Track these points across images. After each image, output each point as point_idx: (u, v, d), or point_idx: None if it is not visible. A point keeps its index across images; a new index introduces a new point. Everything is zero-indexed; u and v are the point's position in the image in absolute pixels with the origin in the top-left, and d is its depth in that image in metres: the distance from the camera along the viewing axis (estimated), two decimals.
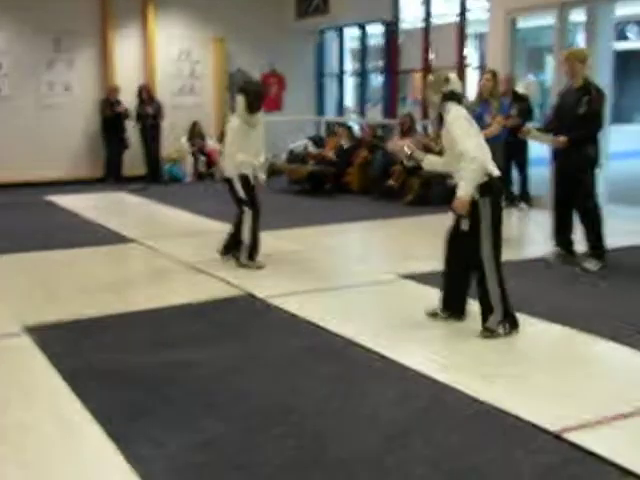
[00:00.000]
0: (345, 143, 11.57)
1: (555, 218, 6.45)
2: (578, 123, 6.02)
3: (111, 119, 12.27)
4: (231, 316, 5.05)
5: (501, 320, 4.36)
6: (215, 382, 3.86)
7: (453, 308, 4.70)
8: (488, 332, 4.37)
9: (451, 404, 3.52)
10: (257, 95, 6.21)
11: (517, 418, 3.33)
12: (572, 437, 3.12)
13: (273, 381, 3.86)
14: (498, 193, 4.41)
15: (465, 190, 4.25)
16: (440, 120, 4.44)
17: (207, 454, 3.10)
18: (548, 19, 9.53)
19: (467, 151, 4.21)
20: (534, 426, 3.25)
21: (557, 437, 3.14)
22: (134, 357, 4.22)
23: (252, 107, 6.14)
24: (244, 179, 6.20)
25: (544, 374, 3.88)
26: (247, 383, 3.84)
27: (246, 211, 6.21)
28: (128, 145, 12.51)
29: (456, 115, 4.34)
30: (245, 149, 6.14)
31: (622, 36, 17.79)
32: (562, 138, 6.09)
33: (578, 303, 5.21)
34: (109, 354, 4.29)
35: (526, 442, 3.13)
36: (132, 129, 12.46)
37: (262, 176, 6.33)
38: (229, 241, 6.46)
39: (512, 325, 4.41)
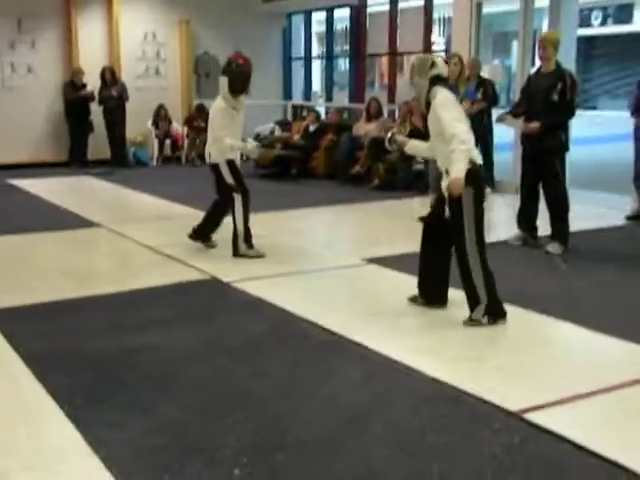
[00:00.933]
0: (312, 126, 11.54)
1: (521, 202, 6.49)
2: (551, 109, 6.05)
3: (75, 102, 12.06)
4: (194, 300, 5.02)
5: (487, 310, 4.31)
6: (175, 366, 3.84)
7: (430, 296, 4.66)
8: (472, 322, 4.34)
9: (413, 386, 3.55)
10: (242, 76, 5.85)
11: (479, 399, 3.36)
12: (532, 417, 3.17)
13: (234, 365, 3.85)
14: (481, 183, 4.38)
15: (459, 170, 4.16)
16: (427, 105, 4.40)
17: (166, 437, 3.08)
18: (514, 4, 9.55)
19: (457, 134, 4.18)
20: (495, 407, 3.28)
21: (518, 417, 3.19)
22: (94, 341, 4.18)
23: (237, 89, 5.83)
24: (231, 164, 5.96)
25: (506, 356, 3.93)
26: (208, 367, 3.82)
27: (236, 197, 5.96)
28: (93, 128, 12.33)
29: (444, 99, 4.31)
30: (232, 133, 5.88)
31: (587, 23, 17.99)
32: (534, 124, 6.12)
33: (538, 286, 5.28)
34: (69, 338, 4.25)
35: (488, 423, 3.16)
36: (95, 113, 12.26)
37: (237, 161, 6.09)
38: (201, 226, 6.28)
39: (498, 315, 4.36)
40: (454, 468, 2.83)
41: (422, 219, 7.41)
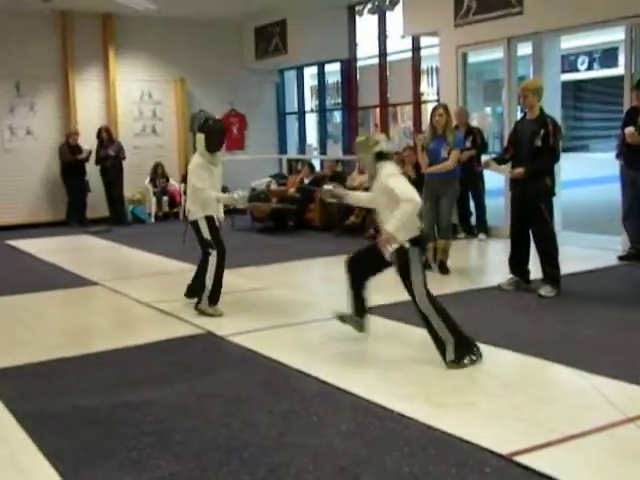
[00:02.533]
0: (307, 179, 11.69)
1: (511, 246, 6.57)
2: (535, 155, 6.17)
3: (71, 163, 12.27)
4: (189, 355, 5.05)
5: (456, 348, 4.43)
6: (170, 421, 3.85)
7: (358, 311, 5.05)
8: (454, 364, 4.43)
9: (404, 433, 3.56)
10: (217, 133, 6.04)
11: (469, 443, 3.38)
12: (522, 459, 3.18)
13: (228, 418, 3.86)
14: (425, 245, 4.81)
15: (394, 226, 4.45)
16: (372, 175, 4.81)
17: None
18: (499, 53, 9.79)
19: (406, 192, 4.48)
20: (486, 451, 3.30)
21: (508, 460, 3.20)
22: (90, 399, 4.20)
23: (212, 146, 5.97)
24: (210, 220, 6.03)
25: (495, 400, 3.94)
26: (202, 421, 3.84)
27: (212, 253, 5.98)
28: (89, 188, 12.49)
29: (390, 171, 4.67)
30: (211, 187, 5.96)
31: (574, 68, 18.33)
32: (518, 170, 6.25)
33: (530, 329, 5.31)
34: (63, 396, 4.26)
35: (479, 467, 3.17)
36: (93, 171, 12.44)
37: (221, 213, 6.27)
38: (194, 284, 6.32)
39: (470, 350, 4.49)
40: None
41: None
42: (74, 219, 12.38)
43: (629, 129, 7.18)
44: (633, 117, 7.36)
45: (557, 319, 5.60)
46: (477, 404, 3.90)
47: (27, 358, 5.00)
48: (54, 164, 12.54)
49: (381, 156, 4.72)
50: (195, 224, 6.06)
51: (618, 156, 7.66)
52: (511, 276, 6.56)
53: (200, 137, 6.00)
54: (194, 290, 6.28)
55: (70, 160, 12.22)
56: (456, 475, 3.12)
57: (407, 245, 4.53)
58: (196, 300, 6.06)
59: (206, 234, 6.01)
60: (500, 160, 6.65)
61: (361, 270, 5.04)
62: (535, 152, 6.16)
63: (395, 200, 4.48)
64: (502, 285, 6.53)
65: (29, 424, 3.80)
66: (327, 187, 5.30)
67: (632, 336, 5.09)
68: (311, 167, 12.11)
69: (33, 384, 4.53)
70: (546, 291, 6.22)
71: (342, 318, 5.16)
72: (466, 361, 4.44)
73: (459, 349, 4.45)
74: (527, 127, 6.29)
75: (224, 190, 6.27)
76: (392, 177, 4.63)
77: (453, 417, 3.70)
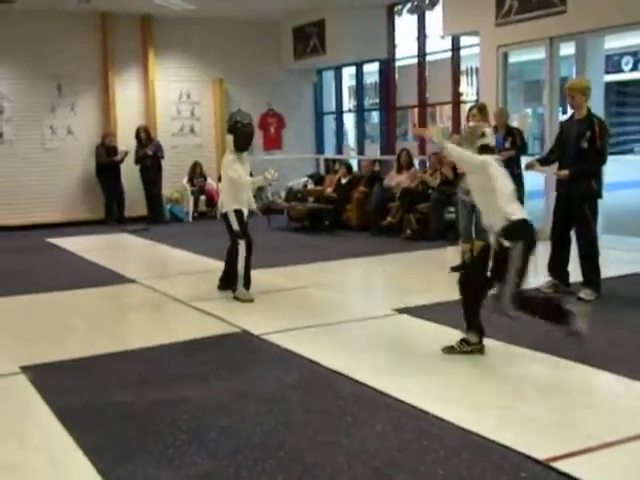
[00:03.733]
0: (344, 179, 11.68)
1: (552, 248, 6.46)
2: (581, 156, 6.07)
3: (106, 164, 12.42)
4: (225, 353, 5.08)
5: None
6: (206, 419, 3.87)
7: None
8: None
9: (439, 436, 3.53)
10: (245, 136, 6.44)
11: (505, 448, 3.34)
12: (559, 465, 3.13)
13: (264, 417, 3.87)
14: (532, 236, 4.47)
15: (451, 147, 4.62)
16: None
17: None
18: (540, 53, 9.65)
19: (504, 183, 4.46)
20: (522, 455, 3.25)
21: (545, 466, 3.15)
22: (126, 395, 4.24)
23: (240, 146, 6.41)
24: (239, 213, 6.46)
25: (532, 404, 3.88)
26: (238, 419, 3.85)
27: (240, 243, 6.41)
28: (124, 190, 12.63)
29: (494, 163, 4.54)
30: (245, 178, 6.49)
31: (618, 68, 18.02)
32: (564, 172, 6.16)
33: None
34: (102, 393, 4.32)
35: (514, 472, 3.13)
36: (132, 170, 12.58)
37: (253, 206, 6.78)
38: (225, 275, 6.66)
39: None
40: None
41: (454, 269, 7.48)
42: (112, 218, 12.54)
43: None
44: None
45: (596, 323, 5.49)
46: (513, 408, 3.84)
47: (65, 354, 5.08)
48: (91, 164, 12.72)
49: (485, 150, 4.59)
50: (225, 216, 6.52)
51: None
52: (550, 278, 6.46)
53: (230, 137, 6.45)
54: (226, 281, 6.62)
55: (105, 161, 12.40)
56: (491, 479, 3.08)
57: (506, 243, 4.35)
58: (233, 291, 6.45)
59: (235, 225, 6.46)
60: (544, 161, 6.53)
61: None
62: (581, 153, 6.05)
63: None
64: (541, 288, 6.44)
65: (67, 419, 3.85)
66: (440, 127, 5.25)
67: None
68: (348, 167, 12.09)
69: (71, 379, 4.60)
70: (586, 294, 6.11)
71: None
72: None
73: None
74: (574, 128, 6.16)
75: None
76: (494, 168, 4.49)
77: (489, 421, 3.66)
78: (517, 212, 4.42)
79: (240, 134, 6.39)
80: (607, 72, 11.96)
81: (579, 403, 3.90)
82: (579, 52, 9.34)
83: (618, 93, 21.05)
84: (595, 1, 8.40)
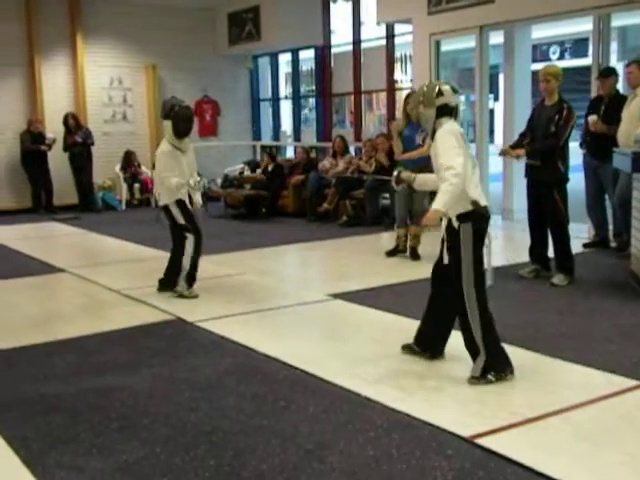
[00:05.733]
0: (270, 167, 11.71)
1: (530, 234, 6.47)
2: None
3: (32, 151, 12.07)
4: (158, 341, 5.04)
5: (486, 364, 3.94)
6: (138, 406, 3.85)
7: (426, 346, 4.36)
8: (474, 379, 3.96)
9: (370, 417, 3.59)
10: (184, 119, 6.02)
11: (432, 426, 3.43)
12: (483, 442, 3.23)
13: (197, 403, 3.87)
14: (483, 223, 4.03)
15: (440, 202, 3.83)
16: (433, 135, 4.10)
17: (127, 477, 3.09)
18: (471, 42, 9.82)
19: (454, 166, 3.83)
20: (449, 433, 3.35)
21: (470, 442, 3.25)
22: (56, 386, 4.18)
23: (180, 131, 5.98)
24: (181, 204, 6.04)
25: (460, 384, 3.97)
26: (171, 406, 3.84)
27: (188, 237, 6.04)
28: (51, 178, 12.31)
29: (447, 130, 4.00)
30: (179, 174, 5.95)
31: (546, 57, 18.43)
32: (517, 151, 6.23)
33: (509, 316, 5.24)
34: (29, 384, 4.24)
35: (441, 449, 3.22)
36: (60, 157, 12.28)
37: (198, 198, 6.19)
38: (167, 275, 6.27)
39: (502, 368, 3.97)
40: None
41: (389, 253, 7.58)
42: (41, 206, 12.24)
43: (592, 117, 7.22)
44: (597, 106, 7.41)
45: (530, 305, 5.67)
46: (441, 389, 3.94)
47: None
48: (16, 151, 12.31)
49: (445, 111, 4.04)
50: (167, 209, 6.10)
51: (581, 145, 7.72)
52: (530, 263, 6.50)
53: (167, 124, 6.01)
54: (167, 282, 6.25)
55: (31, 149, 12.04)
56: (419, 457, 3.16)
57: (456, 224, 3.95)
58: (170, 284, 6.13)
59: (180, 219, 6.06)
60: (516, 146, 6.45)
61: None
62: (550, 137, 6.06)
63: (442, 166, 3.88)
64: (523, 273, 6.47)
65: None
66: (395, 173, 4.61)
67: (592, 321, 5.19)
68: (271, 156, 12.10)
69: None
70: (559, 280, 6.19)
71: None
72: (490, 376, 3.93)
73: (486, 366, 3.94)
74: (544, 112, 6.19)
75: (198, 176, 6.19)
76: (445, 136, 3.96)
77: (418, 401, 3.75)
78: (481, 198, 4.01)
79: (179, 118, 5.96)
80: (536, 61, 12.24)
81: (504, 381, 4.01)
82: (508, 41, 9.56)
83: None
84: None
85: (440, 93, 4.05)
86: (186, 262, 6.05)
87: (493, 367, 3.94)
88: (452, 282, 4.02)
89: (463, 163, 3.89)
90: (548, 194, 6.16)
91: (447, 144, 3.94)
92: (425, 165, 7.23)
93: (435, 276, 4.28)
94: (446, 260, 4.05)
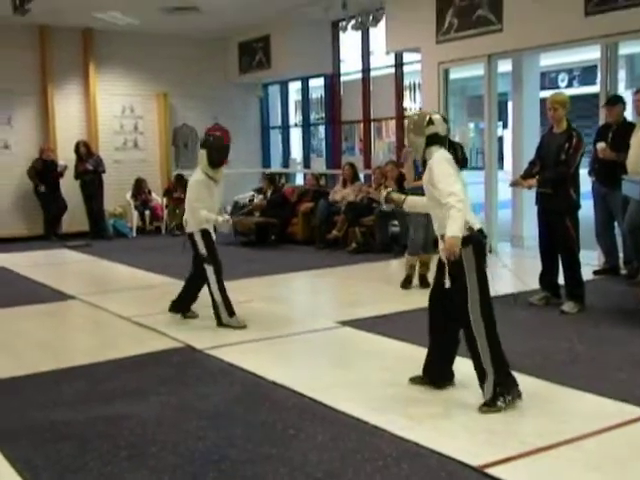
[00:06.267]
0: (269, 191, 11.74)
1: (541, 261, 6.44)
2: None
3: (44, 179, 12.15)
4: (167, 368, 5.04)
5: (495, 385, 3.94)
6: (146, 434, 3.84)
7: (435, 378, 4.33)
8: (485, 407, 3.94)
9: (378, 445, 3.58)
10: (220, 149, 6.07)
11: (442, 455, 3.41)
12: (492, 471, 3.21)
13: (205, 431, 3.86)
14: (482, 246, 4.05)
15: (454, 229, 3.84)
16: (424, 164, 4.18)
17: None
18: (480, 69, 9.88)
19: (455, 192, 3.87)
20: (458, 462, 3.32)
21: (480, 472, 3.23)
22: (65, 413, 4.18)
23: (215, 161, 5.97)
24: (205, 234, 6.05)
25: (469, 412, 3.95)
26: (179, 434, 3.83)
27: (207, 269, 6.01)
28: (66, 204, 12.42)
29: (441, 158, 4.06)
30: (209, 205, 5.99)
31: (555, 85, 18.54)
32: (529, 181, 6.21)
33: (518, 343, 5.27)
34: (38, 411, 4.24)
35: (450, 479, 3.20)
36: (72, 185, 12.38)
37: (226, 218, 6.18)
38: (180, 298, 6.32)
39: (511, 391, 3.98)
40: None
41: (404, 285, 7.46)
42: (52, 233, 12.32)
43: (601, 144, 7.23)
44: (605, 133, 7.42)
45: (541, 334, 5.63)
46: (449, 417, 3.92)
47: (1, 373, 4.95)
48: (28, 179, 12.38)
49: (435, 140, 4.10)
50: (191, 237, 6.11)
51: (590, 173, 7.71)
52: (543, 291, 6.46)
53: (202, 153, 6.01)
54: (179, 305, 6.31)
55: (41, 173, 12.10)
56: None
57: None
58: (216, 320, 6.04)
59: (202, 249, 6.04)
60: (526, 175, 6.43)
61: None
62: (560, 165, 6.05)
63: (442, 194, 3.90)
64: (532, 300, 6.42)
65: (1, 439, 3.77)
66: (383, 192, 4.70)
67: (603, 349, 5.15)
68: (271, 180, 12.11)
69: (6, 400, 4.50)
70: (569, 307, 6.16)
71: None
72: (500, 403, 3.92)
73: (498, 385, 3.95)
74: (554, 140, 6.18)
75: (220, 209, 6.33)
76: (441, 165, 3.99)
77: (426, 430, 3.73)
78: (475, 221, 4.05)
79: (213, 148, 5.97)
80: (544, 88, 12.30)
81: (513, 410, 3.99)
82: (516, 69, 9.61)
83: None
84: (530, 20, 8.66)
85: (430, 122, 4.12)
86: (216, 295, 6.01)
87: (502, 390, 3.93)
88: (454, 308, 4.02)
89: (462, 189, 3.93)
90: (560, 221, 6.14)
91: (444, 171, 3.98)
92: None
93: (434, 304, 4.26)
94: (448, 284, 4.05)
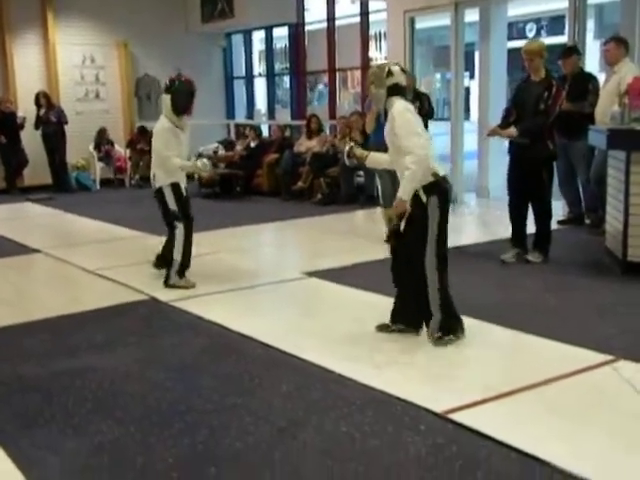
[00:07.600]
0: (253, 143, 11.63)
1: (510, 218, 6.36)
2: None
3: (5, 131, 11.86)
4: (132, 321, 5.04)
5: (441, 325, 4.17)
6: (113, 387, 3.85)
7: (404, 320, 4.39)
8: (439, 340, 4.17)
9: (343, 394, 3.63)
10: (186, 94, 5.57)
11: (405, 402, 3.47)
12: (456, 417, 3.28)
13: (171, 383, 3.88)
14: (446, 194, 4.13)
15: (404, 190, 4.00)
16: (385, 115, 4.19)
17: (102, 456, 3.11)
18: (446, 19, 9.79)
19: (414, 151, 3.95)
20: (422, 409, 3.39)
21: (443, 418, 3.29)
22: (30, 367, 4.16)
23: (179, 108, 5.54)
24: (176, 188, 5.65)
25: (434, 360, 4.03)
26: (145, 386, 3.85)
27: (177, 226, 5.66)
28: (27, 158, 12.15)
29: (401, 110, 4.07)
30: (178, 153, 5.57)
31: (523, 35, 18.44)
32: (510, 130, 6.06)
33: (484, 294, 5.32)
34: (4, 365, 4.22)
35: (414, 425, 3.26)
36: (34, 137, 12.10)
37: (205, 162, 5.82)
38: (163, 255, 5.98)
39: (456, 329, 4.22)
40: (379, 470, 2.91)
41: (388, 241, 7.41)
42: (14, 186, 12.07)
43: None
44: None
45: (505, 283, 5.71)
46: (413, 364, 3.99)
47: None
48: None
49: (395, 90, 4.12)
50: (160, 192, 5.69)
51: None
52: (511, 248, 6.40)
53: (166, 98, 5.59)
54: (163, 260, 5.96)
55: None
56: (392, 433, 3.20)
57: (424, 197, 4.03)
58: (164, 277, 5.74)
59: (172, 204, 5.67)
60: (505, 125, 6.27)
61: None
62: (539, 115, 5.95)
63: (404, 148, 3.97)
64: (505, 258, 6.32)
65: None
66: (346, 147, 4.61)
67: (567, 298, 5.24)
68: (257, 131, 12.01)
69: None
70: (534, 257, 6.19)
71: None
72: (447, 338, 4.18)
73: (444, 326, 4.18)
74: (532, 90, 6.03)
75: (189, 158, 5.96)
76: (401, 117, 4.02)
77: (391, 377, 3.78)
78: (439, 168, 4.12)
79: (179, 94, 5.51)
80: (512, 38, 12.25)
81: (478, 357, 4.06)
82: (483, 18, 9.54)
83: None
84: None
85: (390, 73, 4.17)
86: (177, 255, 5.65)
87: (448, 328, 4.17)
88: (410, 252, 4.17)
89: (423, 143, 4.03)
90: (536, 172, 6.07)
91: (408, 126, 4.05)
92: None
93: (395, 251, 4.38)
94: (402, 227, 4.16)
